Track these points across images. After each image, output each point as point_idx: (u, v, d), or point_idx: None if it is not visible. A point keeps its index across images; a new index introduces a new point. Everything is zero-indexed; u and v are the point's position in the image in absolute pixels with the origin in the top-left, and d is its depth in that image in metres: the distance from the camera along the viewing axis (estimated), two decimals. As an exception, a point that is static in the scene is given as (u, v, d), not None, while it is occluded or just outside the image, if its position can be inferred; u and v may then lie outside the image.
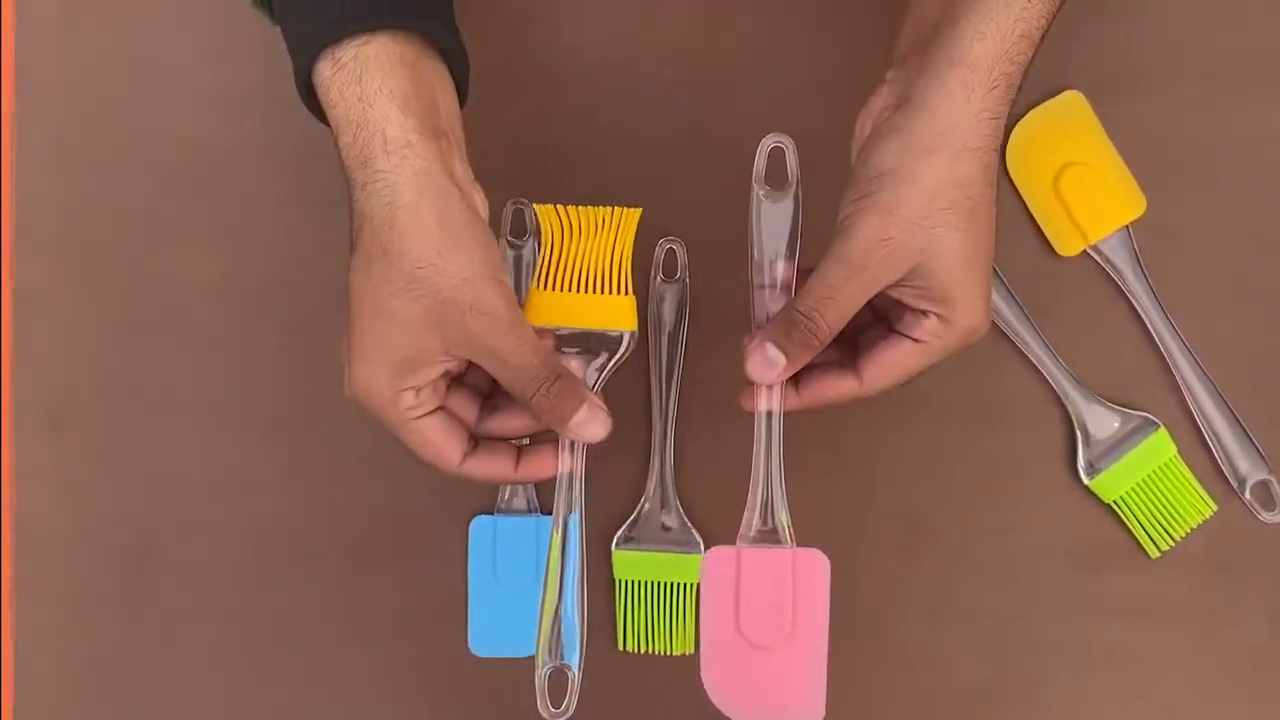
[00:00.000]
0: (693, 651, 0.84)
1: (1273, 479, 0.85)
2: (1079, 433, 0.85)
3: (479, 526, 0.85)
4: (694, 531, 0.84)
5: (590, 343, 0.70)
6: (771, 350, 0.67)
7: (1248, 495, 0.85)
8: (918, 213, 0.64)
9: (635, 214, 0.71)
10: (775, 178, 0.71)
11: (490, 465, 0.69)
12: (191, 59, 0.89)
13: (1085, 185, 0.86)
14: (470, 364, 0.68)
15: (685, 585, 0.84)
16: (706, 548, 0.83)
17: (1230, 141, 0.86)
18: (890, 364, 0.68)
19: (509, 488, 0.85)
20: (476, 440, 0.70)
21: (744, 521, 0.69)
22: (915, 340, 0.67)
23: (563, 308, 0.70)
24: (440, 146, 0.66)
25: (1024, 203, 0.86)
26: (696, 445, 0.85)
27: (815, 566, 0.68)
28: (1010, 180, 0.86)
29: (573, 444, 0.69)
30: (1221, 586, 0.85)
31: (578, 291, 0.70)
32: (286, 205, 0.87)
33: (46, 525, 0.87)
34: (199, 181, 0.88)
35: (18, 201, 0.89)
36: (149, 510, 0.87)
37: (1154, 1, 0.87)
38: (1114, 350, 0.86)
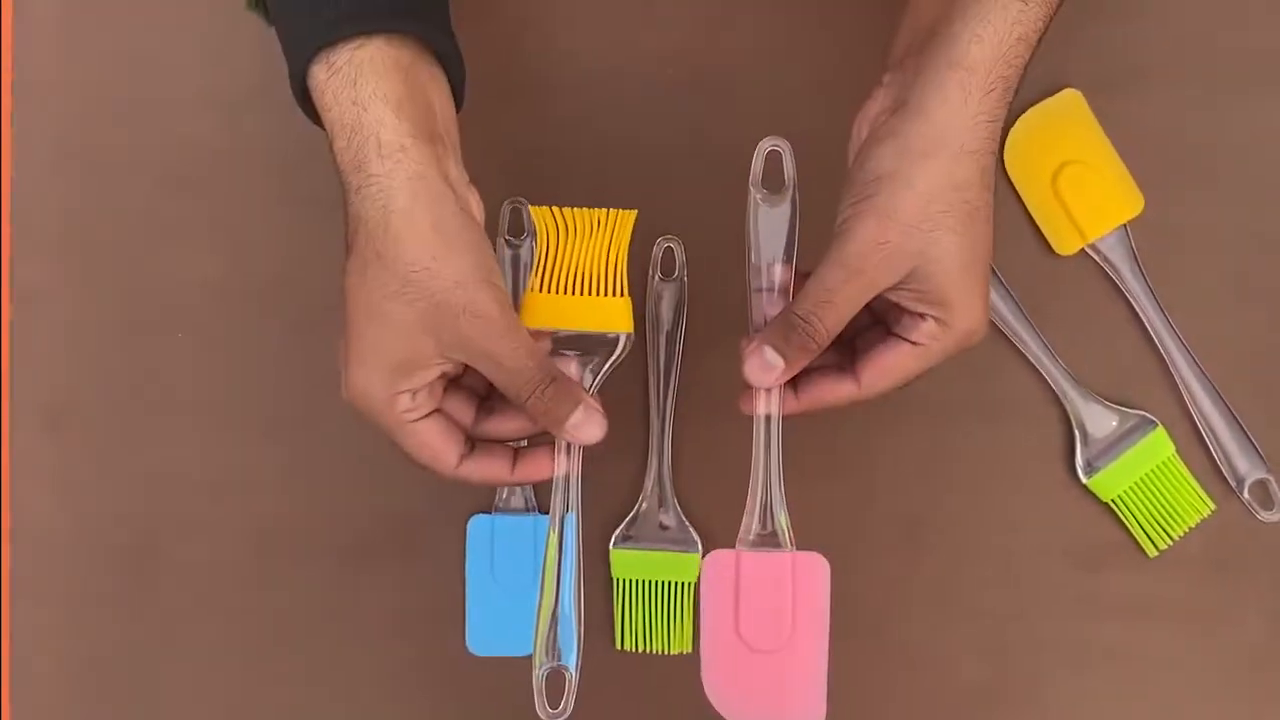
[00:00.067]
0: (691, 650, 0.84)
1: (1271, 478, 0.85)
2: (1077, 431, 0.85)
3: (477, 526, 0.85)
4: (692, 531, 0.84)
5: (586, 344, 0.70)
6: (770, 354, 0.67)
7: (1246, 494, 0.85)
8: (915, 216, 0.64)
9: (631, 215, 0.71)
10: (772, 181, 0.71)
11: (487, 467, 0.69)
12: (191, 59, 0.89)
13: (1083, 184, 0.86)
14: (466, 366, 0.68)
15: (683, 584, 0.84)
16: (704, 547, 0.84)
17: (1228, 140, 0.86)
18: (888, 367, 0.68)
19: (506, 487, 0.85)
20: (473, 442, 0.70)
21: (743, 525, 0.69)
22: (913, 343, 0.67)
23: (559, 310, 0.70)
24: (435, 150, 0.66)
25: (1022, 201, 0.86)
26: (694, 444, 0.85)
27: (815, 570, 0.68)
28: (1008, 179, 0.86)
29: (569, 445, 0.69)
30: (1220, 585, 0.85)
31: (574, 294, 0.70)
32: (286, 205, 0.87)
33: (46, 525, 0.87)
34: (199, 181, 0.89)
35: (18, 201, 0.89)
36: (149, 510, 0.87)
37: (1151, 1, 0.87)
38: (1112, 349, 0.86)
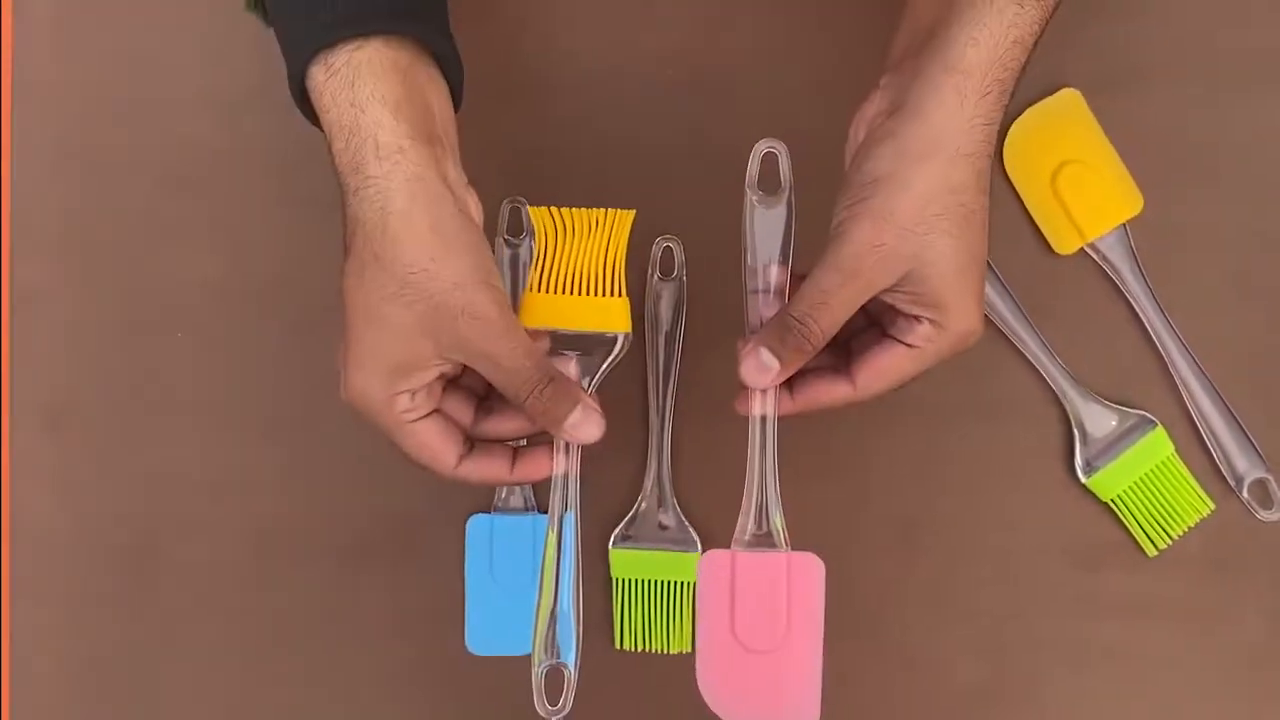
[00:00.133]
0: (690, 650, 0.84)
1: (1270, 477, 0.85)
2: (1076, 431, 0.85)
3: (476, 525, 0.85)
4: (691, 530, 0.84)
5: (585, 344, 0.70)
6: (765, 355, 0.67)
7: (1245, 494, 0.85)
8: (911, 219, 0.64)
9: (629, 215, 0.71)
10: (768, 182, 0.71)
11: (486, 467, 0.70)
12: (191, 59, 0.89)
13: (1083, 183, 0.86)
14: (465, 367, 0.68)
15: (682, 584, 0.84)
16: (704, 546, 0.84)
17: (1227, 139, 0.86)
18: (883, 369, 0.68)
19: (506, 487, 0.85)
20: (472, 442, 0.70)
21: (739, 525, 0.69)
22: (908, 345, 0.67)
23: (557, 310, 0.70)
24: (433, 152, 0.66)
25: (1021, 201, 0.86)
26: (694, 444, 0.85)
27: (810, 570, 0.68)
28: (1007, 178, 0.86)
29: (567, 445, 0.69)
30: (1219, 585, 0.85)
31: (572, 293, 0.70)
32: (286, 205, 0.87)
33: (46, 525, 0.87)
34: (199, 182, 0.89)
35: (18, 201, 0.89)
36: (149, 510, 0.87)
37: (1151, 0, 0.87)
38: (1111, 348, 0.86)
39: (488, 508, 0.85)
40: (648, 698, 0.84)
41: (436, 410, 0.68)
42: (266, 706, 0.87)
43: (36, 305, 0.88)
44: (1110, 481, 0.84)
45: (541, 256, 0.71)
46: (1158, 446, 0.85)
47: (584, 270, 0.70)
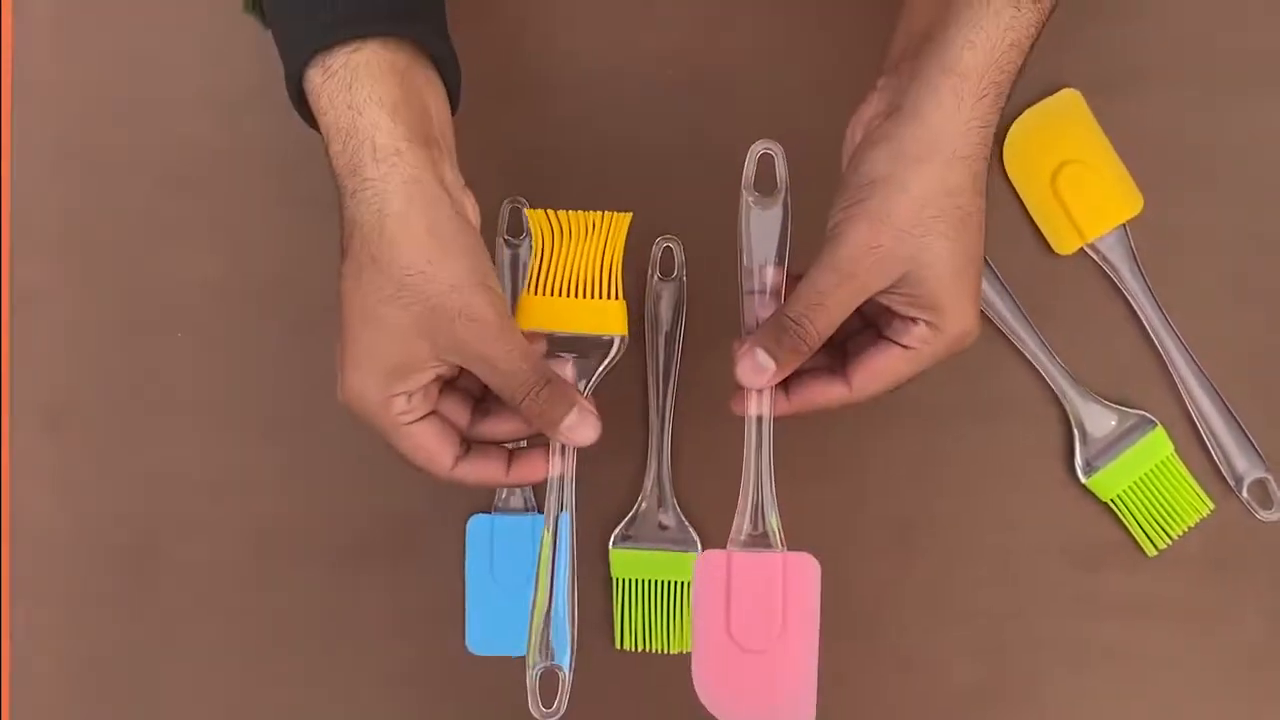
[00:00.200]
0: (689, 651, 0.84)
1: (1270, 477, 0.85)
2: (1076, 431, 0.85)
3: (476, 525, 0.85)
4: (691, 530, 0.84)
5: (581, 346, 0.70)
6: (761, 355, 0.67)
7: (1245, 494, 0.85)
8: (908, 220, 0.64)
9: (626, 218, 0.71)
10: (764, 184, 0.71)
11: (482, 469, 0.70)
12: (191, 60, 0.89)
13: (1082, 183, 0.86)
14: (462, 370, 0.68)
15: (682, 584, 0.84)
16: (704, 546, 0.84)
17: (1228, 140, 0.86)
18: (879, 370, 0.68)
19: (504, 488, 0.85)
20: (468, 444, 0.70)
21: (734, 525, 0.69)
22: (904, 347, 0.67)
23: (554, 312, 0.70)
24: (430, 154, 0.66)
25: (1021, 201, 0.86)
26: (694, 444, 0.85)
27: (805, 570, 0.68)
28: (1007, 178, 0.86)
29: (563, 447, 0.69)
30: (1219, 585, 0.85)
31: (569, 296, 0.70)
32: (286, 206, 0.87)
33: (46, 525, 0.87)
34: (199, 182, 0.89)
35: (18, 201, 0.89)
36: (149, 510, 0.87)
37: (1151, 0, 0.87)
38: (1111, 348, 0.86)
39: (488, 508, 0.85)
40: (648, 698, 0.84)
41: (433, 412, 0.68)
42: (266, 706, 0.87)
43: (36, 305, 0.88)
44: (1110, 481, 0.84)
45: (538, 259, 0.71)
46: (1157, 446, 0.85)
47: (581, 273, 0.70)
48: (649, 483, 0.85)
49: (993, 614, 0.85)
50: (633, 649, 0.85)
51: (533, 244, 0.71)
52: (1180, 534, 0.84)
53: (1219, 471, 0.85)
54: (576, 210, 0.71)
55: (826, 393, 0.69)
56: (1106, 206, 0.85)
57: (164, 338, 0.88)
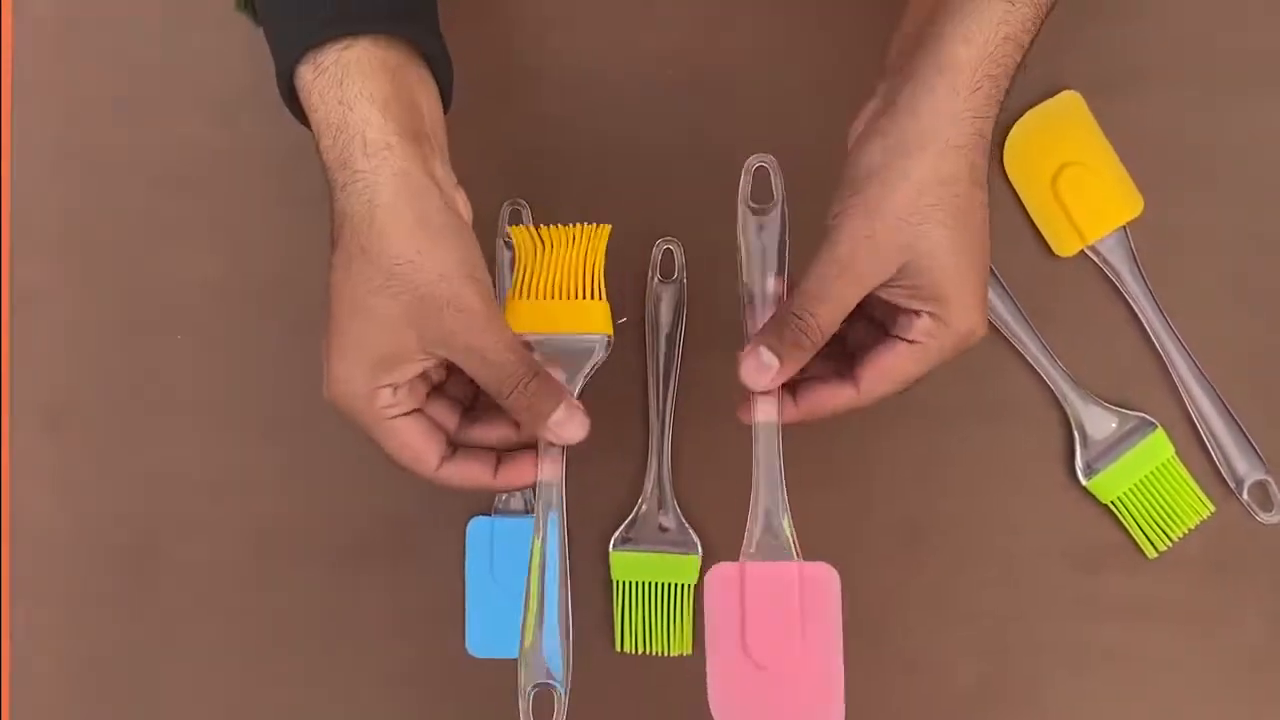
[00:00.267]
0: (690, 653, 0.84)
1: (1270, 480, 0.85)
2: (1076, 433, 0.85)
3: (476, 527, 0.85)
4: (691, 532, 0.84)
5: (567, 349, 0.70)
6: (764, 353, 0.67)
7: (1245, 496, 0.85)
8: (903, 209, 0.64)
9: (605, 229, 0.72)
10: (761, 195, 0.71)
11: (468, 471, 0.69)
12: (191, 60, 0.89)
13: (1083, 185, 0.86)
14: (450, 373, 0.68)
15: (683, 586, 0.84)
16: (704, 549, 0.84)
17: (1228, 141, 0.86)
18: (886, 368, 0.67)
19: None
20: (455, 448, 0.70)
21: (746, 537, 0.68)
22: (910, 342, 0.67)
23: (538, 315, 0.70)
24: (421, 149, 0.66)
25: (1021, 203, 0.86)
26: (694, 446, 0.85)
27: (824, 580, 0.67)
28: (1008, 180, 0.86)
29: (552, 450, 0.69)
30: (1219, 587, 0.85)
31: (553, 299, 0.71)
32: (286, 205, 0.87)
33: (46, 525, 0.87)
34: (199, 182, 0.89)
35: (18, 201, 0.89)
36: (148, 510, 0.87)
37: (1151, 1, 0.87)
38: (1111, 351, 0.86)
39: (488, 510, 0.85)
40: (648, 700, 0.84)
41: (419, 411, 0.68)
42: (266, 706, 0.87)
43: (36, 305, 0.88)
44: (1110, 483, 0.84)
45: (521, 269, 0.71)
46: (1158, 448, 0.85)
47: (563, 277, 0.71)
48: (649, 485, 0.85)
49: (995, 616, 0.85)
50: (633, 651, 0.84)
51: (515, 257, 0.71)
52: (1181, 536, 0.84)
53: (1219, 473, 0.85)
54: (559, 225, 0.72)
55: (835, 396, 0.68)
56: (1107, 208, 0.85)
57: (164, 338, 0.88)
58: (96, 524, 0.87)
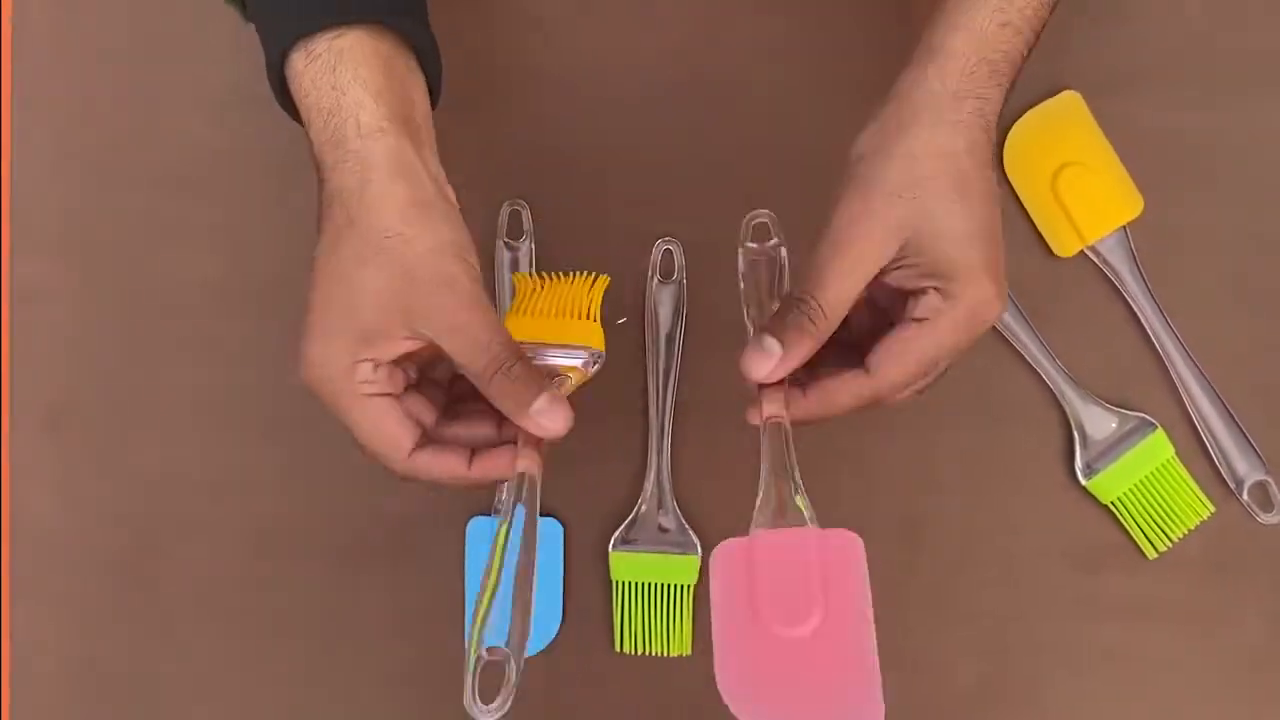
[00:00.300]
0: (689, 653, 0.84)
1: (1270, 480, 0.85)
2: (1076, 433, 0.85)
3: (476, 528, 0.85)
4: (691, 533, 0.84)
5: (557, 358, 0.70)
6: (767, 340, 0.65)
7: (1245, 496, 0.85)
8: (896, 183, 0.64)
9: (605, 279, 0.73)
10: (760, 235, 0.72)
11: (442, 462, 0.67)
12: (192, 60, 0.89)
13: (1083, 185, 0.86)
14: (424, 377, 0.68)
15: (683, 587, 0.84)
16: (704, 549, 0.84)
17: (1228, 141, 0.86)
18: (896, 350, 0.65)
19: (506, 487, 0.85)
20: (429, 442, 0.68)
21: (755, 515, 0.64)
22: (918, 320, 0.65)
23: (533, 327, 0.71)
24: (414, 137, 0.66)
25: (1021, 203, 0.86)
26: (694, 446, 0.85)
27: (847, 547, 0.61)
28: (1007, 180, 0.86)
29: (532, 444, 0.66)
30: (1219, 587, 0.85)
31: (548, 316, 0.71)
32: (286, 205, 0.87)
33: (46, 525, 0.87)
34: (198, 182, 0.89)
35: (18, 201, 0.89)
36: (148, 510, 0.87)
37: (1151, 1, 0.87)
38: (1111, 351, 0.86)
39: (488, 510, 0.85)
40: (647, 701, 0.84)
41: (396, 397, 0.66)
42: (266, 706, 0.87)
43: (36, 305, 0.88)
44: (1110, 484, 0.84)
45: (521, 298, 0.72)
46: (1158, 449, 0.84)
47: (561, 301, 0.72)
48: (649, 485, 0.85)
49: (994, 616, 0.85)
50: (632, 652, 0.84)
51: (514, 296, 0.72)
52: (1180, 536, 0.84)
53: (1219, 474, 0.85)
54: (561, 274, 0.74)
55: (845, 384, 0.66)
56: (1107, 208, 0.85)
57: (164, 338, 0.88)
58: (96, 524, 0.87)
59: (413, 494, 0.84)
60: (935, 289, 0.64)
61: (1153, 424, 0.85)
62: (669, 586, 0.84)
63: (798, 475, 0.65)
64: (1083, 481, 0.84)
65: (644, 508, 0.85)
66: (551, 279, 0.73)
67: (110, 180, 0.89)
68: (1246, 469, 0.85)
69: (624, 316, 0.85)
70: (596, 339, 0.71)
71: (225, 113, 0.89)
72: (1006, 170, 0.86)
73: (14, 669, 0.87)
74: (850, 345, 0.67)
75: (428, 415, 0.68)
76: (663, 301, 0.85)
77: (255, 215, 0.88)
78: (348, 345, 0.64)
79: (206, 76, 0.89)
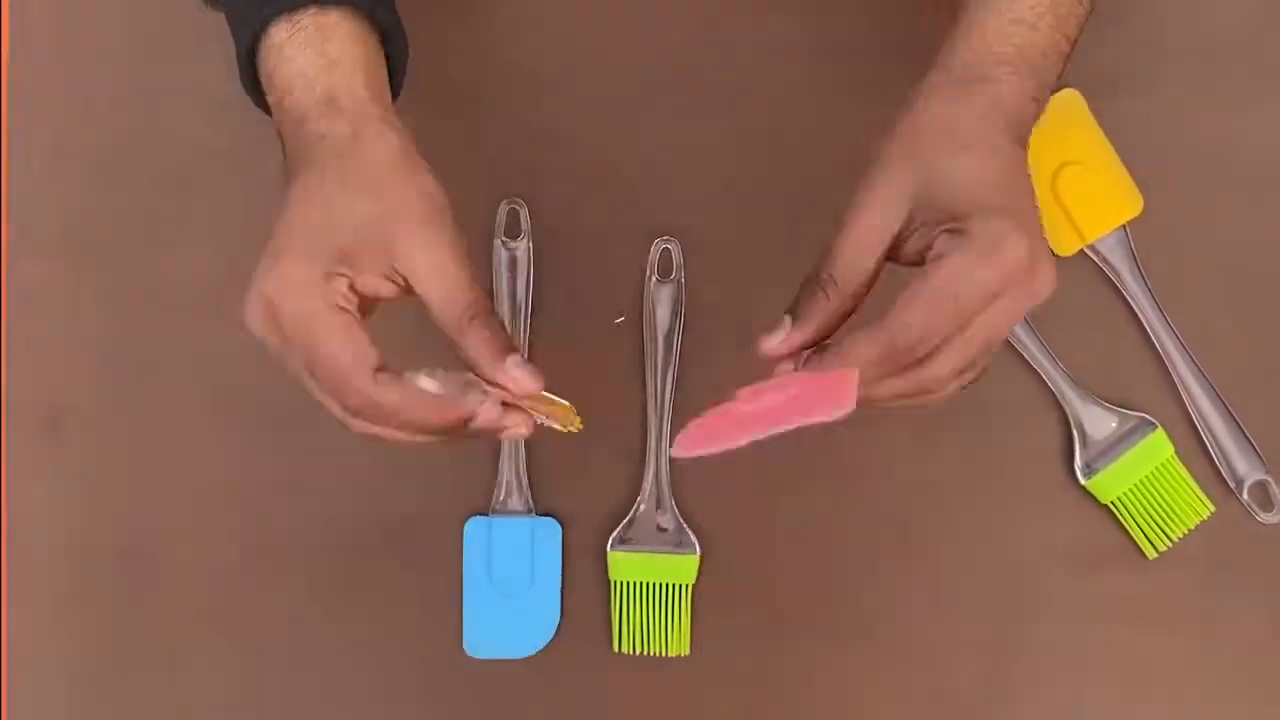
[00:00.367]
0: (688, 653, 0.84)
1: (1270, 479, 0.84)
2: (1076, 433, 0.85)
3: (474, 528, 0.85)
4: (689, 533, 0.84)
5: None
6: (784, 319, 0.63)
7: (1245, 496, 0.85)
8: (900, 151, 0.63)
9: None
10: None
11: (408, 393, 0.62)
12: (191, 59, 0.89)
13: (1082, 184, 0.85)
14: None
15: (681, 586, 0.84)
16: (702, 549, 0.84)
17: (1228, 141, 0.86)
18: (907, 293, 0.60)
19: (505, 487, 0.85)
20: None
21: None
22: (933, 262, 0.61)
23: None
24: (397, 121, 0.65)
25: (1021, 203, 0.86)
26: (693, 446, 0.85)
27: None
28: (1007, 180, 0.86)
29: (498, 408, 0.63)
30: (1219, 587, 0.84)
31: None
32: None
33: (45, 525, 0.87)
34: (199, 181, 0.89)
35: (18, 201, 0.89)
36: (148, 510, 0.87)
37: (1152, 1, 0.87)
38: (1111, 350, 0.86)
39: (485, 510, 0.85)
40: (646, 701, 0.84)
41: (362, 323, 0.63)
42: (266, 707, 0.86)
43: (36, 305, 0.88)
44: (1110, 484, 0.84)
45: None
46: (1157, 448, 0.84)
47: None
48: (647, 485, 0.85)
49: (994, 616, 0.85)
50: (630, 652, 0.84)
51: None
52: (1180, 536, 0.84)
53: (1219, 473, 0.85)
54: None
55: (861, 336, 0.60)
56: (1106, 207, 0.85)
57: (164, 338, 0.88)
58: (95, 524, 0.87)
59: (410, 495, 0.85)
60: (946, 231, 0.61)
61: (1152, 423, 0.85)
62: (667, 586, 0.84)
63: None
64: (1082, 481, 0.84)
65: (642, 507, 0.85)
66: None
67: (110, 180, 0.89)
68: (1246, 468, 0.85)
69: (622, 315, 0.85)
70: (571, 417, 0.66)
71: (225, 113, 0.88)
72: (1006, 169, 0.86)
73: (13, 669, 0.87)
74: None
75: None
76: (661, 300, 0.85)
77: (255, 215, 0.88)
78: (325, 259, 0.62)
79: (206, 76, 0.89)
